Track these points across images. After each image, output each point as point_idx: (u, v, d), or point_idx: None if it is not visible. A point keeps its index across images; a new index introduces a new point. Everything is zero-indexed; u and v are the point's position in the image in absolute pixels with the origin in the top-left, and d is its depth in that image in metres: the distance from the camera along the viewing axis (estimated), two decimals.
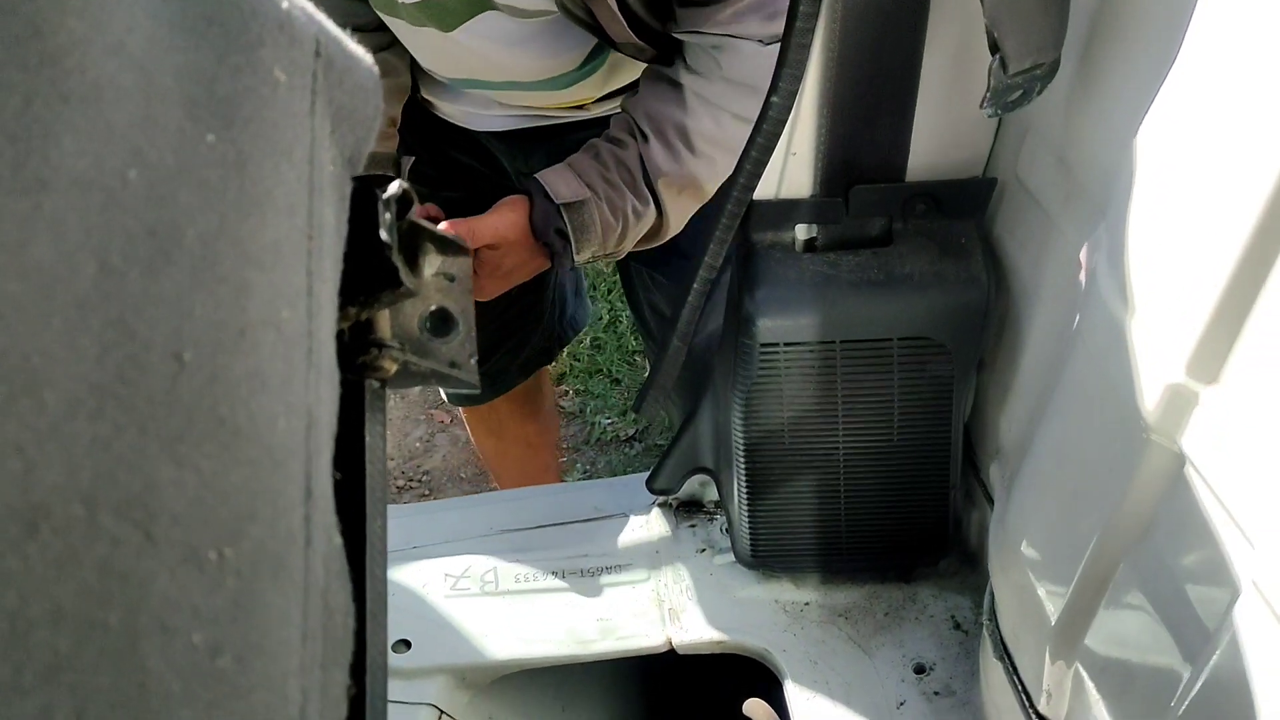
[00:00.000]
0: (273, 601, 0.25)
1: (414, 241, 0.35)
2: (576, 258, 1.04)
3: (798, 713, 1.01)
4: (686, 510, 1.21)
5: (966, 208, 0.96)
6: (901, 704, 1.01)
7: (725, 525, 1.17)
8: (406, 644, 1.08)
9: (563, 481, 2.03)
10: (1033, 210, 0.91)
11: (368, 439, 0.34)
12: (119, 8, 0.24)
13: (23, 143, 0.22)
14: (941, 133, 0.93)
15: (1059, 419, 0.77)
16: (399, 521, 1.21)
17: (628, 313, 2.16)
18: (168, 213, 0.24)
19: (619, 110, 1.10)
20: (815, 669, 1.04)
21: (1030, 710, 0.83)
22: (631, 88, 1.13)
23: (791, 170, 0.94)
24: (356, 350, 0.34)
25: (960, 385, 0.97)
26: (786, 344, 0.95)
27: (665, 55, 1.05)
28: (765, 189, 0.94)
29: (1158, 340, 0.60)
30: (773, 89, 0.84)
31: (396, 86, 1.20)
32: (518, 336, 1.50)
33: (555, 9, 0.98)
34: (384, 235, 0.32)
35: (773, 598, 1.11)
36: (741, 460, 1.03)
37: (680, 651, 1.09)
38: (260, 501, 0.24)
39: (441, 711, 1.05)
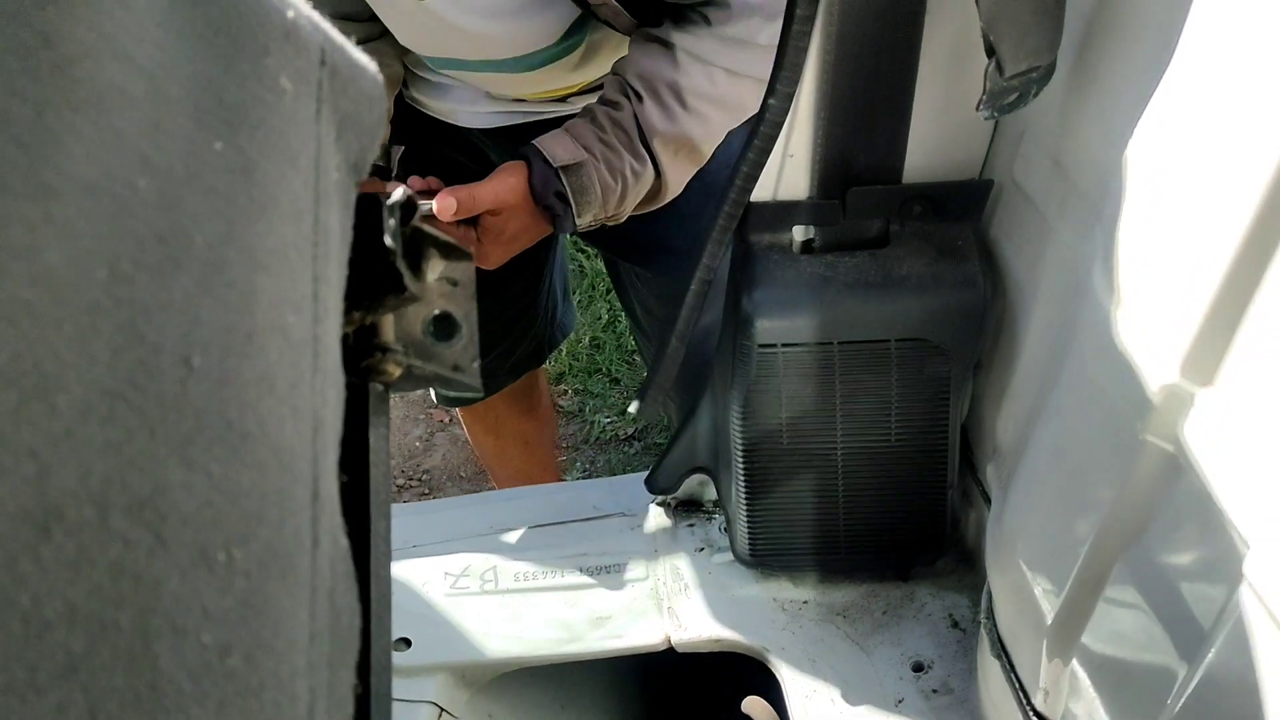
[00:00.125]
0: (281, 602, 0.25)
1: (417, 247, 0.35)
2: (578, 221, 1.04)
3: (796, 711, 1.01)
4: (685, 509, 1.22)
5: (963, 210, 0.97)
6: (900, 702, 1.01)
7: (724, 524, 1.18)
8: (407, 642, 1.08)
9: (562, 480, 2.03)
10: (1029, 212, 0.91)
11: (372, 442, 0.34)
12: (128, 17, 0.25)
13: (34, 150, 0.22)
14: (938, 135, 0.94)
15: (1055, 419, 0.77)
16: (399, 520, 1.20)
17: None
18: (176, 219, 0.24)
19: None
20: (814, 667, 1.04)
21: (1027, 708, 0.84)
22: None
23: (788, 172, 0.95)
24: (361, 354, 0.34)
25: (957, 386, 0.97)
26: (784, 345, 0.96)
27: (644, 24, 1.05)
28: (762, 191, 0.94)
29: (1153, 341, 0.61)
30: (770, 91, 0.84)
31: (388, 76, 1.20)
32: (512, 337, 1.51)
33: None
34: (388, 241, 0.32)
35: (771, 596, 1.12)
36: (740, 460, 1.03)
37: (679, 650, 1.09)
38: (268, 503, 0.25)
39: (442, 709, 1.06)
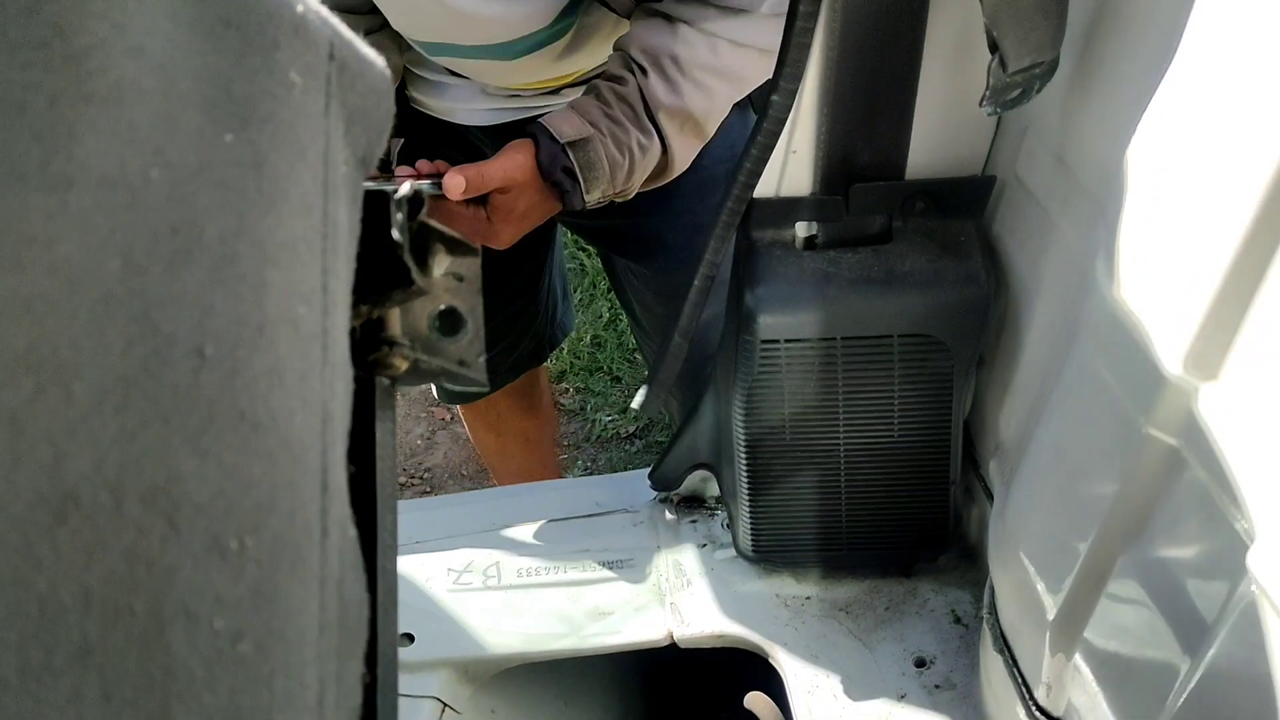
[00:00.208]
0: (291, 591, 0.25)
1: (424, 242, 0.35)
2: (587, 197, 1.04)
3: (799, 706, 1.01)
4: (688, 505, 1.22)
5: (966, 206, 0.97)
6: (902, 697, 1.01)
7: (726, 520, 1.18)
8: (410, 637, 1.09)
9: (563, 478, 2.03)
10: (1032, 208, 0.91)
11: (378, 435, 0.34)
12: (139, 11, 0.25)
13: (49, 141, 0.22)
14: (941, 131, 0.94)
15: (1058, 415, 0.77)
16: (401, 517, 1.20)
17: None
18: (189, 211, 0.24)
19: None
20: (816, 662, 1.05)
21: (1030, 703, 0.84)
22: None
23: (791, 168, 0.95)
24: (368, 348, 0.35)
25: (960, 382, 0.98)
26: (787, 340, 0.96)
27: (644, 0, 1.05)
28: (765, 187, 0.95)
29: (1156, 336, 0.61)
30: (773, 87, 0.84)
31: (390, 67, 1.20)
32: (512, 334, 1.51)
33: None
34: (395, 235, 0.33)
35: (774, 592, 1.12)
36: (743, 456, 1.03)
37: (681, 645, 1.09)
38: (279, 493, 0.25)
39: (445, 704, 1.06)
